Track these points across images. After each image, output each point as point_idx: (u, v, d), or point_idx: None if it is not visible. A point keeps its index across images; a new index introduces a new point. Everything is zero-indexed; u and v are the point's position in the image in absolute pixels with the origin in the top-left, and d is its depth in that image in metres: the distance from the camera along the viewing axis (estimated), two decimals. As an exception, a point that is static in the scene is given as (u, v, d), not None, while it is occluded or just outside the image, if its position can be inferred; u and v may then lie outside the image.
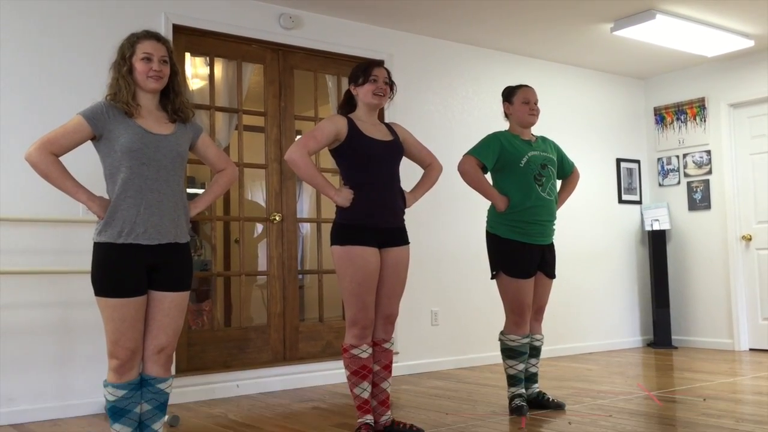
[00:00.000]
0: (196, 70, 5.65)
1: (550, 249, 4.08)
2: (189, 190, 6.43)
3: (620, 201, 7.16)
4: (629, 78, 7.33)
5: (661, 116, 7.28)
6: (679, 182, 7.09)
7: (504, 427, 3.70)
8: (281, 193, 5.25)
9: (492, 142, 4.00)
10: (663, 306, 6.90)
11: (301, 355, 5.22)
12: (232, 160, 3.21)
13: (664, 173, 7.23)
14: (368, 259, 3.37)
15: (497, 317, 4.23)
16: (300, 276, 5.99)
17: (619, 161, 7.17)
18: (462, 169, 3.98)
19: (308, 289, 6.70)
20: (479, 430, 3.62)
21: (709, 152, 6.86)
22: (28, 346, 4.12)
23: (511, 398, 3.99)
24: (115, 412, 2.70)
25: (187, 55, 5.07)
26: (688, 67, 7.01)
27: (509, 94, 4.13)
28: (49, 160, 2.65)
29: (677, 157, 7.12)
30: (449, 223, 5.93)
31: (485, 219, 4.11)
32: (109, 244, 2.66)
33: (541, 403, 4.04)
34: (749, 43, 6.11)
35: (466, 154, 4.01)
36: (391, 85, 3.56)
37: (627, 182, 7.21)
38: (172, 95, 2.83)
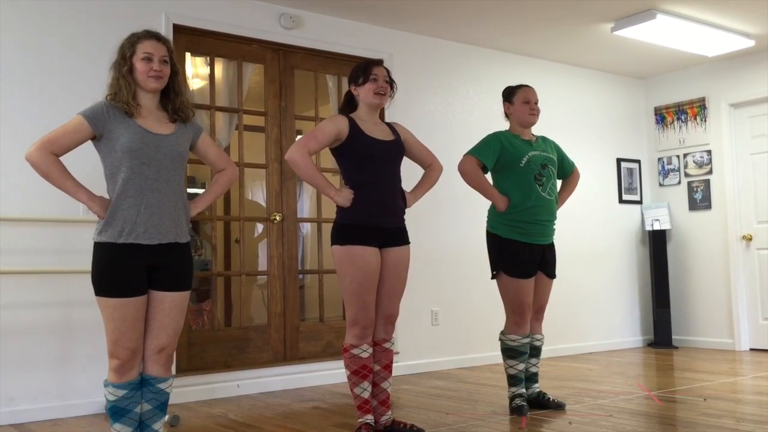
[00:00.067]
0: (196, 70, 5.65)
1: (550, 249, 4.08)
2: (189, 190, 6.43)
3: (621, 201, 7.16)
4: (630, 78, 7.33)
5: (661, 116, 7.28)
6: (679, 182, 7.09)
7: (504, 427, 3.70)
8: (282, 193, 5.25)
9: (492, 141, 4.00)
10: (663, 306, 6.90)
11: (301, 354, 5.22)
12: (232, 160, 3.21)
13: (664, 173, 7.23)
14: (369, 258, 3.37)
15: (497, 317, 4.23)
16: (300, 276, 5.99)
17: (619, 161, 7.17)
18: (462, 169, 3.98)
19: (309, 288, 6.70)
20: (479, 429, 3.62)
21: (709, 152, 6.86)
22: (28, 346, 4.12)
23: (512, 398, 3.99)
24: (116, 411, 2.70)
25: (188, 54, 5.07)
26: (688, 67, 7.00)
27: (509, 94, 4.13)
28: (50, 160, 2.65)
29: (678, 156, 7.12)
30: (450, 223, 5.93)
31: (485, 219, 4.11)
32: (110, 244, 2.66)
33: (541, 403, 4.04)
34: (750, 43, 6.11)
35: (466, 154, 4.01)
36: (391, 83, 3.56)
37: (627, 182, 7.21)
38: (172, 95, 2.83)
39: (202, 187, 6.98)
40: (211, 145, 3.02)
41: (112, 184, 2.70)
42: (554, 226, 4.09)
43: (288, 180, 5.27)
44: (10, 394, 4.04)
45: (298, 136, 5.44)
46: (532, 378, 4.10)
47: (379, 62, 3.57)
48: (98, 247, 2.69)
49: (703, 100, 6.92)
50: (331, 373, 5.17)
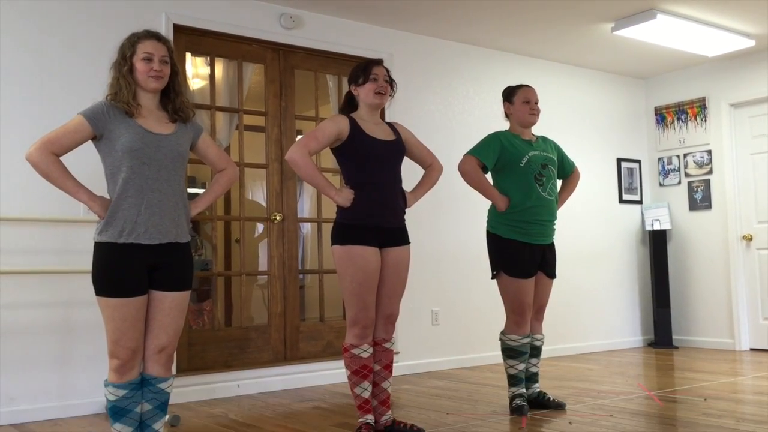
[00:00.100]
0: (196, 70, 5.65)
1: (550, 249, 4.08)
2: (190, 190, 6.43)
3: (621, 201, 7.16)
4: (630, 78, 7.33)
5: (661, 116, 7.28)
6: (679, 182, 7.09)
7: (505, 426, 3.70)
8: (282, 193, 5.25)
9: (492, 141, 4.00)
10: (664, 306, 6.90)
11: (301, 354, 5.22)
12: (232, 160, 3.21)
13: (664, 173, 7.23)
14: (369, 258, 3.37)
15: (498, 317, 4.23)
16: (301, 276, 5.99)
17: (619, 161, 7.17)
18: (462, 169, 3.98)
19: (309, 288, 6.70)
20: (480, 429, 3.62)
21: (709, 152, 6.86)
22: (28, 346, 4.12)
23: (512, 398, 3.99)
24: (116, 411, 2.70)
25: (188, 54, 5.07)
26: (688, 67, 7.00)
27: (510, 93, 4.13)
28: (50, 160, 2.65)
29: (678, 156, 7.12)
30: (450, 223, 5.93)
31: (486, 219, 4.11)
32: (110, 244, 2.66)
33: (541, 403, 4.04)
34: (750, 43, 6.11)
35: (466, 153, 4.01)
36: (391, 83, 3.56)
37: (628, 182, 7.21)
38: (172, 95, 2.83)
39: (202, 187, 6.98)
40: (211, 145, 3.02)
41: (113, 184, 2.71)
42: (554, 226, 4.09)
43: (288, 180, 5.27)
44: (10, 394, 4.04)
45: (299, 136, 5.44)
46: (532, 378, 4.10)
47: (378, 62, 3.57)
48: (99, 246, 2.69)
49: (703, 100, 6.92)
50: (332, 373, 5.17)
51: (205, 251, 6.70)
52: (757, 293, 6.56)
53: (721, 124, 6.78)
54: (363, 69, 3.52)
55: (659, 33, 5.80)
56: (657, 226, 7.04)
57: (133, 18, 4.47)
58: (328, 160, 5.62)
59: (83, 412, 4.22)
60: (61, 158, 2.69)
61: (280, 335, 5.15)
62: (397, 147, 3.54)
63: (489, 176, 4.07)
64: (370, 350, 3.44)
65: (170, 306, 2.75)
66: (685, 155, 7.05)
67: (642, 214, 7.27)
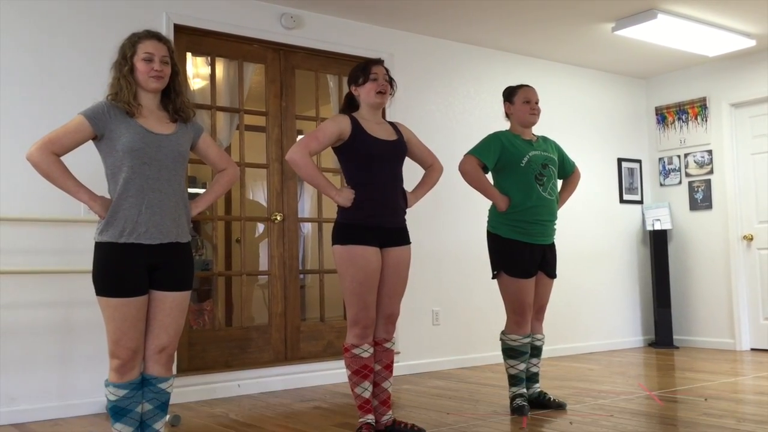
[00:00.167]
0: (197, 70, 5.65)
1: (551, 249, 4.08)
2: (190, 190, 6.43)
3: (621, 201, 7.16)
4: (630, 78, 7.32)
5: (662, 116, 7.27)
6: (680, 182, 7.09)
7: (505, 426, 3.70)
8: (282, 193, 5.25)
9: (493, 141, 4.00)
10: (664, 306, 6.90)
11: (302, 354, 5.22)
12: (233, 160, 3.21)
13: (665, 173, 7.23)
14: (369, 258, 3.37)
15: (498, 317, 4.23)
16: (301, 276, 5.99)
17: (620, 161, 7.17)
18: (463, 169, 3.98)
19: (309, 288, 6.70)
20: (480, 429, 3.62)
21: (710, 152, 6.86)
22: (29, 346, 4.12)
23: (513, 398, 3.99)
24: (117, 411, 2.70)
25: (189, 54, 5.07)
26: (689, 67, 7.00)
27: (510, 93, 4.13)
28: (51, 160, 2.65)
29: (678, 156, 7.12)
30: (450, 223, 5.93)
31: (486, 219, 4.11)
32: (111, 244, 2.66)
33: (542, 403, 4.04)
34: (750, 43, 6.11)
35: (467, 153, 4.01)
36: (390, 81, 3.56)
37: (628, 182, 7.21)
38: (173, 95, 2.83)
39: (203, 187, 6.98)
40: (211, 145, 3.02)
41: (113, 183, 2.71)
42: (555, 226, 4.09)
43: (289, 180, 5.27)
44: (10, 394, 4.04)
45: (299, 136, 5.45)
46: (532, 378, 4.10)
47: (377, 61, 3.57)
48: (99, 246, 2.69)
49: (703, 99, 6.92)
50: (332, 373, 5.17)
51: (205, 251, 6.70)
52: (758, 293, 6.56)
53: (721, 124, 6.78)
54: (362, 69, 3.52)
55: (660, 33, 5.80)
56: (658, 226, 7.03)
57: (134, 18, 4.47)
58: (329, 160, 5.63)
59: (84, 412, 4.22)
60: (62, 158, 2.69)
61: (280, 335, 5.15)
62: (399, 147, 3.54)
63: (489, 176, 4.06)
64: (371, 350, 3.44)
65: (171, 306, 2.75)
66: (686, 155, 7.05)
67: (643, 214, 7.27)
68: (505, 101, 4.14)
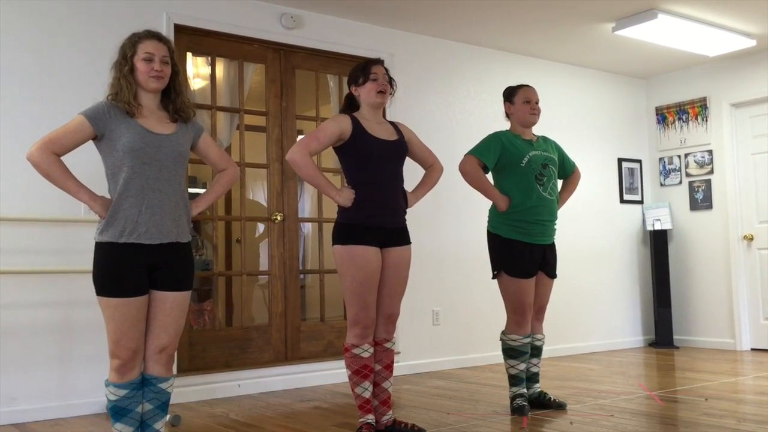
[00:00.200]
0: (197, 70, 5.65)
1: (551, 249, 4.08)
2: (190, 190, 6.42)
3: (622, 201, 7.15)
4: (631, 78, 7.32)
5: (662, 116, 7.27)
6: (680, 182, 7.09)
7: (505, 426, 3.69)
8: (283, 193, 5.25)
9: (493, 141, 4.00)
10: (664, 306, 6.90)
11: (302, 354, 5.22)
12: (233, 160, 3.21)
13: (665, 173, 7.23)
14: (370, 258, 3.37)
15: (498, 317, 4.23)
16: (301, 276, 5.99)
17: (620, 161, 7.17)
18: (463, 169, 3.98)
19: (310, 288, 6.71)
20: (481, 429, 3.62)
21: (710, 152, 6.85)
22: (29, 346, 4.12)
23: (513, 398, 3.99)
24: (117, 411, 2.70)
25: (189, 54, 5.07)
26: (689, 67, 7.00)
27: (510, 93, 4.13)
28: (51, 160, 2.65)
29: (679, 156, 7.12)
30: (451, 223, 5.93)
31: (486, 219, 4.10)
32: (111, 244, 2.66)
33: (542, 403, 4.04)
34: (751, 43, 6.10)
35: (467, 153, 4.01)
36: (390, 81, 3.56)
37: (628, 182, 7.21)
38: (173, 95, 2.83)
39: (203, 187, 6.98)
40: (212, 145, 3.02)
41: (114, 183, 2.71)
42: (555, 226, 4.09)
43: (289, 180, 5.27)
44: (11, 394, 4.04)
45: (300, 136, 5.45)
46: (533, 378, 4.09)
47: (377, 61, 3.57)
48: (99, 246, 2.69)
49: (704, 99, 6.92)
50: (332, 373, 5.17)
51: (206, 251, 6.70)
52: (758, 293, 6.56)
53: (722, 124, 6.78)
54: (362, 69, 3.52)
55: (660, 33, 5.80)
56: (658, 226, 7.03)
57: (134, 18, 4.47)
58: (329, 160, 5.63)
59: (84, 412, 4.22)
60: (62, 158, 2.69)
61: (280, 335, 5.15)
62: (400, 147, 3.54)
63: (490, 176, 4.06)
64: (371, 350, 3.43)
65: (171, 306, 2.75)
66: (686, 155, 7.05)
67: (643, 214, 7.27)
68: (505, 101, 4.14)
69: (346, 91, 3.68)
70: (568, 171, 4.26)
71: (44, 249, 4.21)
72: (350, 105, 3.58)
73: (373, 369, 3.46)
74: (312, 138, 3.40)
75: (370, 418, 3.42)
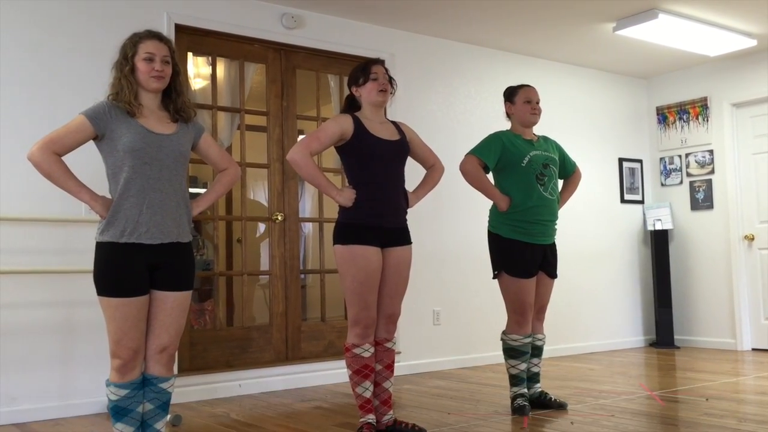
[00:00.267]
0: (198, 70, 5.65)
1: (551, 249, 4.07)
2: (191, 190, 6.42)
3: (622, 201, 7.15)
4: (632, 77, 7.32)
5: (663, 116, 7.27)
6: (681, 182, 7.09)
7: (506, 426, 3.69)
8: (283, 193, 5.25)
9: (494, 141, 4.00)
10: (665, 306, 6.90)
11: (303, 354, 5.22)
12: (234, 160, 3.21)
13: (666, 173, 7.23)
14: (370, 258, 3.37)
15: (499, 317, 4.23)
16: (302, 275, 5.99)
17: (621, 161, 7.17)
18: (464, 169, 3.98)
19: (310, 288, 6.70)
20: (481, 429, 3.62)
21: (711, 152, 6.85)
22: (30, 346, 4.12)
23: (513, 398, 3.99)
24: (118, 411, 2.70)
25: (190, 54, 5.07)
26: (690, 67, 7.00)
27: (511, 93, 4.12)
28: (52, 160, 2.65)
29: (680, 156, 7.12)
30: (451, 222, 5.93)
31: (487, 219, 4.10)
32: (112, 244, 2.66)
33: (543, 403, 4.04)
34: (752, 43, 6.10)
35: (467, 153, 4.01)
36: (390, 81, 3.56)
37: (629, 182, 7.21)
38: (174, 95, 2.83)
39: (204, 187, 6.98)
40: (212, 145, 3.02)
41: (114, 183, 2.71)
42: (556, 226, 4.09)
43: (290, 180, 5.27)
44: (11, 394, 4.04)
45: (300, 136, 5.45)
46: (533, 378, 4.09)
47: (377, 61, 3.57)
48: (100, 246, 2.69)
49: (705, 99, 6.91)
50: (333, 373, 5.17)
51: (206, 251, 6.70)
52: (759, 293, 6.55)
53: (722, 124, 6.78)
54: (362, 69, 3.52)
55: (661, 33, 5.79)
56: (659, 226, 7.03)
57: (135, 18, 4.47)
58: (330, 160, 5.63)
59: (85, 412, 4.22)
60: (63, 158, 2.69)
61: (281, 335, 5.15)
62: (402, 147, 3.54)
63: (490, 176, 4.06)
64: (372, 350, 3.43)
65: (172, 306, 2.75)
66: (687, 155, 7.05)
67: (644, 214, 7.27)
68: (506, 101, 4.14)
69: (346, 91, 3.67)
70: (568, 171, 4.26)
71: (45, 249, 4.21)
72: (350, 106, 3.58)
73: (374, 369, 3.46)
74: (313, 138, 3.40)
75: (371, 418, 3.42)
